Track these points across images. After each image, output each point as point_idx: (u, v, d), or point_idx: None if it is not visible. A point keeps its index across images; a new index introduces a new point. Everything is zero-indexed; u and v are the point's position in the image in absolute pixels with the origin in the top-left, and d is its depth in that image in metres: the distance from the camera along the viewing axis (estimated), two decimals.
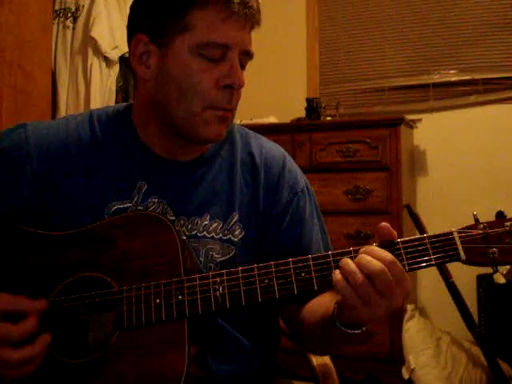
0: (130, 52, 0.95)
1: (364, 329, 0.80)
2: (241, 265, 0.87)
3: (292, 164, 1.07)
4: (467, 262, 0.78)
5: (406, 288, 0.76)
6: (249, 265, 0.84)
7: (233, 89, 0.91)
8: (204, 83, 0.89)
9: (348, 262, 0.76)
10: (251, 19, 0.91)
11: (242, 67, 0.93)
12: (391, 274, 0.74)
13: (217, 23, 0.88)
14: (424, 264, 0.79)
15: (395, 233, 0.80)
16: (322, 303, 0.92)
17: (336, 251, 0.82)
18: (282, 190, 1.02)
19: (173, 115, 0.92)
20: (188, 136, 0.94)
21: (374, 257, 0.75)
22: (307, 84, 3.19)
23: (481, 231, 0.78)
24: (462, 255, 0.77)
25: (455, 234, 0.78)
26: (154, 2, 0.91)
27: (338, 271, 0.77)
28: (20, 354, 0.79)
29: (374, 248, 0.78)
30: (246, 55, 0.93)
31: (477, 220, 0.79)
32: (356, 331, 0.80)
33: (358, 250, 0.80)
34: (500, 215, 0.79)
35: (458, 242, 0.78)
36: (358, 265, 0.75)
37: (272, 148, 1.07)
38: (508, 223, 0.77)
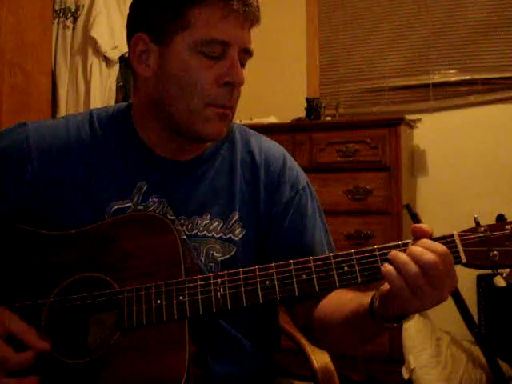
0: (129, 51, 0.95)
1: (402, 321, 0.80)
2: (242, 264, 0.87)
3: (292, 162, 1.07)
4: (468, 265, 0.78)
5: (454, 279, 0.76)
6: (250, 264, 0.84)
7: (233, 86, 0.91)
8: (204, 81, 0.89)
9: (399, 254, 0.76)
10: (251, 17, 0.91)
11: (242, 65, 0.93)
12: (443, 265, 0.74)
13: (216, 21, 0.88)
14: None
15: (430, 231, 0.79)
16: (350, 298, 0.91)
17: (337, 253, 0.82)
18: (283, 188, 1.02)
19: (173, 113, 0.92)
20: (188, 134, 0.94)
21: (425, 248, 0.75)
22: (307, 84, 3.18)
23: (481, 234, 0.78)
24: (463, 258, 0.77)
25: (456, 237, 0.78)
26: (154, 0, 0.91)
27: (387, 263, 0.77)
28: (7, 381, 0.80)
29: (426, 240, 0.77)
30: (246, 53, 0.93)
31: (477, 223, 0.79)
32: (394, 324, 0.80)
33: (360, 252, 0.80)
34: (500, 218, 0.79)
35: (459, 245, 0.78)
36: (410, 255, 0.75)
37: (272, 147, 1.07)
38: (508, 226, 0.77)
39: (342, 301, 0.93)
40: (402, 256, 0.75)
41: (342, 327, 0.92)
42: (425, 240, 0.77)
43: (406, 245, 0.80)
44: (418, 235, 0.79)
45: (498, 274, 0.79)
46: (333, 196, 2.53)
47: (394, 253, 0.77)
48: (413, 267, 0.74)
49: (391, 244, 0.80)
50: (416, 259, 0.74)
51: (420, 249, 0.75)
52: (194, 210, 0.97)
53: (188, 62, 0.89)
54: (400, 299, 0.76)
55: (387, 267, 0.76)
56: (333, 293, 0.97)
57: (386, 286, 0.78)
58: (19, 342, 0.83)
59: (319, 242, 1.02)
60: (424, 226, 0.79)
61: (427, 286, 0.74)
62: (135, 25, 0.94)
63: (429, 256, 0.74)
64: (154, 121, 0.96)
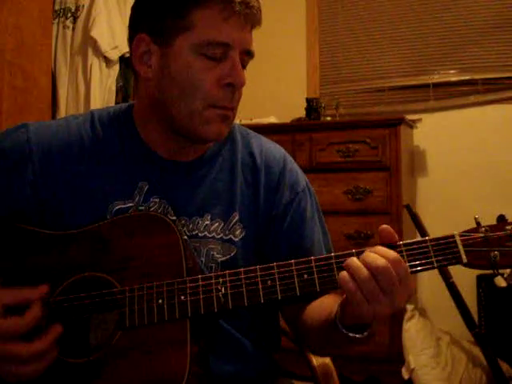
0: (131, 52, 0.95)
1: (365, 333, 0.80)
2: (242, 265, 0.87)
3: (293, 164, 1.08)
4: (468, 265, 0.78)
5: (409, 287, 0.77)
6: (250, 264, 0.85)
7: (234, 88, 0.92)
8: (205, 82, 0.89)
9: (353, 259, 0.77)
10: (252, 19, 0.91)
11: (243, 67, 0.94)
12: (395, 271, 0.75)
13: (218, 22, 0.88)
14: (425, 267, 0.79)
15: (396, 236, 0.81)
16: (326, 306, 0.92)
17: (338, 253, 0.82)
18: (283, 189, 1.02)
19: (174, 114, 0.92)
20: (189, 135, 0.94)
21: (378, 254, 0.76)
22: (307, 84, 3.19)
23: (482, 234, 0.78)
24: (464, 258, 0.78)
25: (457, 237, 0.79)
26: (156, 1, 0.91)
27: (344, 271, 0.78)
28: (31, 346, 0.79)
29: (379, 247, 0.78)
30: (247, 55, 0.94)
31: (478, 223, 0.79)
32: (357, 335, 0.81)
33: (361, 251, 0.80)
34: (501, 219, 0.79)
35: (460, 245, 0.78)
36: (363, 261, 0.76)
37: (272, 148, 1.07)
38: (509, 227, 0.78)
39: (320, 306, 0.95)
40: (355, 261, 0.76)
41: (315, 333, 0.93)
42: (379, 247, 0.78)
43: (407, 245, 0.80)
44: (386, 237, 0.80)
45: (499, 274, 0.79)
46: (333, 196, 2.53)
47: (350, 259, 0.77)
48: (364, 272, 0.75)
49: (392, 244, 0.80)
50: (367, 264, 0.75)
51: (372, 254, 0.76)
52: (194, 210, 0.97)
53: (190, 64, 0.89)
54: (353, 304, 0.76)
55: (342, 273, 0.77)
56: (323, 297, 0.97)
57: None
58: (20, 309, 0.82)
59: (317, 245, 1.03)
60: (390, 229, 0.80)
61: (379, 292, 0.75)
62: (137, 26, 0.94)
63: (380, 261, 0.75)
64: (155, 121, 0.96)
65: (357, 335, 0.81)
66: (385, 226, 0.81)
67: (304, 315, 0.98)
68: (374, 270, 0.74)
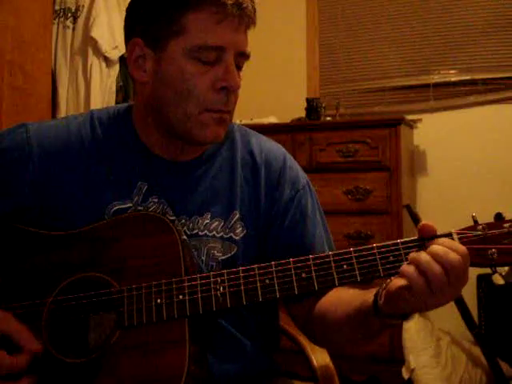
0: (127, 56, 0.95)
1: (409, 317, 0.80)
2: (243, 263, 0.88)
3: (292, 162, 1.08)
4: None
5: (468, 276, 0.76)
6: (251, 263, 0.85)
7: (229, 91, 0.91)
8: (199, 86, 0.89)
9: (421, 254, 0.75)
10: (246, 20, 0.90)
11: (239, 68, 0.93)
12: (464, 264, 0.74)
13: (211, 26, 0.87)
14: None
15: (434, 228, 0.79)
16: (352, 296, 0.90)
17: (336, 251, 0.82)
18: (284, 187, 1.03)
19: (170, 118, 0.92)
20: (186, 138, 0.94)
21: (448, 248, 0.74)
22: (307, 84, 3.18)
23: (480, 232, 0.78)
24: None
25: (454, 235, 0.79)
26: (148, 6, 0.91)
27: (406, 264, 0.76)
28: None
29: (447, 240, 0.76)
30: (242, 56, 0.93)
31: (476, 221, 0.79)
32: (400, 320, 0.80)
33: (358, 250, 0.80)
34: (498, 217, 0.79)
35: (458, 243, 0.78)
36: (433, 255, 0.74)
37: (272, 146, 1.07)
38: (507, 224, 0.77)
39: (343, 298, 0.93)
40: (424, 256, 0.74)
41: (345, 325, 0.91)
42: (445, 239, 0.76)
43: (404, 243, 0.80)
44: (427, 233, 0.79)
45: (497, 272, 0.79)
46: (333, 196, 2.53)
47: (416, 254, 0.75)
48: (437, 267, 0.73)
49: (390, 242, 0.80)
50: (439, 259, 0.73)
51: (443, 248, 0.74)
52: (194, 209, 0.97)
53: (183, 68, 0.89)
54: (417, 298, 0.75)
55: (408, 268, 0.75)
56: (332, 290, 0.96)
57: (395, 283, 0.77)
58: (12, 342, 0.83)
59: (319, 241, 1.03)
60: (431, 223, 0.79)
61: (447, 285, 0.74)
62: (131, 29, 0.94)
63: (453, 256, 0.73)
64: (153, 124, 0.97)
65: (399, 320, 0.80)
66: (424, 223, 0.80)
67: (320, 310, 0.97)
68: (446, 265, 0.73)
